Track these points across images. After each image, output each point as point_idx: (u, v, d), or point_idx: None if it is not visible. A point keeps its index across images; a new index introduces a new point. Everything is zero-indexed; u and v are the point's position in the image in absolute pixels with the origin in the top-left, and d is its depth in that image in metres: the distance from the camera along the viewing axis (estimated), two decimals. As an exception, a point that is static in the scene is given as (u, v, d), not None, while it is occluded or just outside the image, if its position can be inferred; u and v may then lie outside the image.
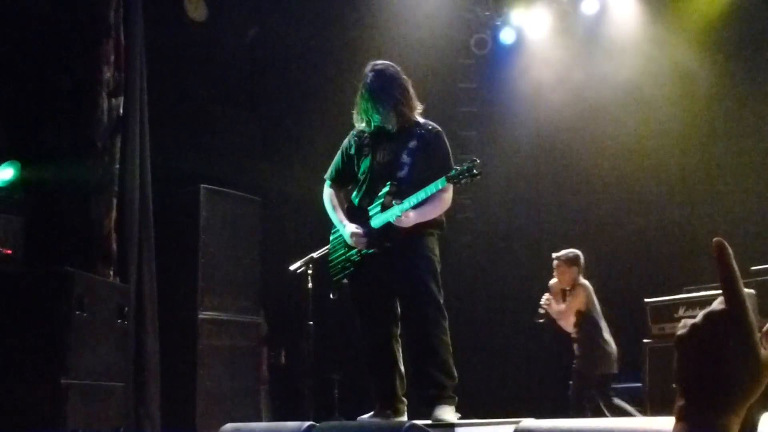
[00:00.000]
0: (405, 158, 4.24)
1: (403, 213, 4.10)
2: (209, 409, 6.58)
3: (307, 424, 3.49)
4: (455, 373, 4.19)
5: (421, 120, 4.40)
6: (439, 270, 4.30)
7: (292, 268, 4.49)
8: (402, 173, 4.23)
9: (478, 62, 9.21)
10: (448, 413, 4.05)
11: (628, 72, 8.13)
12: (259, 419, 6.97)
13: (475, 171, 4.08)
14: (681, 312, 5.31)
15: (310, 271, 4.47)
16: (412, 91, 4.38)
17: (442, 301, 4.22)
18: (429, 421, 3.98)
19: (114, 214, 6.22)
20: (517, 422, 2.96)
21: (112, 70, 6.32)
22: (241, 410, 6.66)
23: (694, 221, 7.62)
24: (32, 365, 5.47)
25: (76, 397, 5.41)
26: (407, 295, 4.23)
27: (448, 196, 4.29)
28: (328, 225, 4.45)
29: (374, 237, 4.22)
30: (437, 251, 4.32)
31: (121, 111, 6.36)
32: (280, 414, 7.70)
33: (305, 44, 8.35)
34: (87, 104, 6.23)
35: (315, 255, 4.48)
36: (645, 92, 8.04)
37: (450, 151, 4.39)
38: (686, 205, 7.76)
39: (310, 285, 4.48)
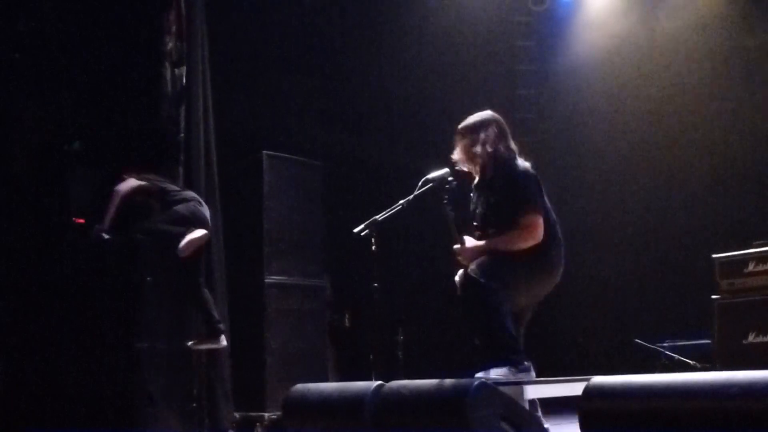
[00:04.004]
0: (487, 208, 4.36)
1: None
2: (278, 371, 6.73)
3: (376, 383, 3.54)
4: (506, 343, 4.14)
5: (516, 163, 4.40)
6: (513, 281, 4.21)
7: (356, 230, 4.52)
8: (487, 221, 4.35)
9: (536, 19, 9.05)
10: (492, 374, 4.03)
11: (699, 31, 7.78)
12: (325, 380, 7.09)
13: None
14: (751, 267, 5.17)
15: (374, 234, 4.49)
16: (488, 136, 4.39)
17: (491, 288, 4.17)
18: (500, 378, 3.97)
19: (180, 182, 6.35)
20: (587, 379, 2.97)
21: (174, 40, 6.41)
22: (309, 371, 6.79)
23: (766, 173, 7.39)
24: (106, 331, 5.66)
25: (149, 360, 5.60)
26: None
27: (527, 226, 4.21)
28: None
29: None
30: (512, 275, 4.20)
31: (184, 80, 6.46)
32: (345, 375, 7.81)
33: (363, 8, 8.33)
34: (151, 75, 6.34)
35: (379, 218, 4.50)
36: (717, 52, 7.67)
37: (528, 185, 4.31)
38: (757, 156, 7.51)
39: (374, 248, 4.51)
